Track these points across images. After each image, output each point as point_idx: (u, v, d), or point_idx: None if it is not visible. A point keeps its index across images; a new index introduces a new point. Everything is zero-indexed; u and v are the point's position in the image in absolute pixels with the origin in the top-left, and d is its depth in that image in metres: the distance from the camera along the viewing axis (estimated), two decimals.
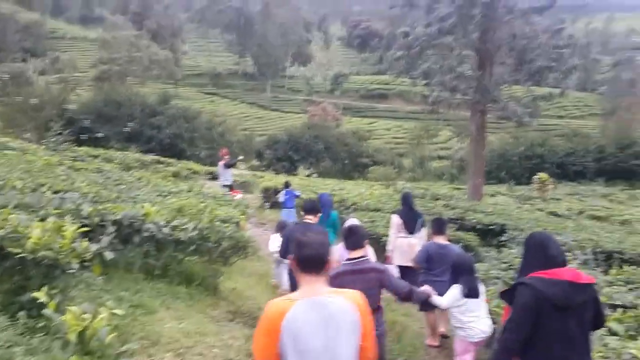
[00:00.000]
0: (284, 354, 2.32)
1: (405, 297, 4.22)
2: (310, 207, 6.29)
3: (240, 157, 23.14)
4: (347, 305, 2.40)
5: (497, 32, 20.06)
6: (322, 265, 2.46)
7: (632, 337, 4.50)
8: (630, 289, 6.11)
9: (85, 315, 3.45)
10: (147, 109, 39.22)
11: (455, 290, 4.95)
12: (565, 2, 20.36)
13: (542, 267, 3.05)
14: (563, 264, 3.09)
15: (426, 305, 5.65)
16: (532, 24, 20.35)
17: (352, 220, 6.34)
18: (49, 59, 69.14)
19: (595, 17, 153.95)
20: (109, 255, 4.31)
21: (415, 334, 6.64)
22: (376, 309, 4.02)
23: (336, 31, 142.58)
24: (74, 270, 3.77)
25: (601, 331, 4.40)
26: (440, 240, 6.24)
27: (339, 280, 3.73)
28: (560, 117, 75.39)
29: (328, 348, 2.32)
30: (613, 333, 4.64)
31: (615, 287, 6.19)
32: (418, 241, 7.38)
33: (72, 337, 3.36)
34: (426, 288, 4.82)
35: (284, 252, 6.34)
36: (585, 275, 3.11)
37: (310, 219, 6.20)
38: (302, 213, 6.42)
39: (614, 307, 5.34)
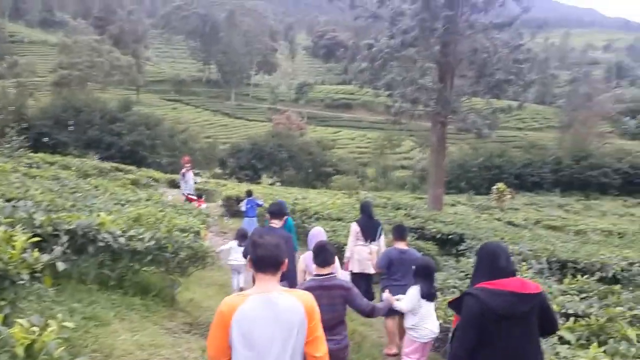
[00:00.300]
0: (234, 347, 2.44)
1: (368, 314, 4.29)
2: (277, 211, 6.28)
3: (198, 179, 22.26)
4: (296, 303, 2.53)
5: (459, 46, 20.43)
6: (276, 265, 2.59)
7: (583, 346, 4.62)
8: (583, 298, 6.27)
9: (34, 328, 3.35)
10: (108, 115, 38.57)
11: (414, 291, 5.07)
12: (524, 17, 20.82)
13: (490, 277, 3.12)
14: (512, 274, 3.16)
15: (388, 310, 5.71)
16: (492, 38, 20.78)
17: (317, 229, 6.33)
18: (7, 63, 67.34)
19: (554, 32, 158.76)
20: (61, 265, 4.22)
21: (374, 344, 6.67)
22: (340, 322, 4.10)
23: (302, 41, 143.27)
24: (24, 282, 3.68)
25: (553, 340, 4.51)
26: (401, 246, 6.38)
27: None
28: (519, 129, 77.35)
29: (275, 342, 2.45)
30: (565, 342, 4.75)
31: (568, 296, 6.34)
32: (376, 249, 7.50)
33: (20, 350, 3.25)
34: (387, 297, 4.89)
35: (245, 254, 6.40)
36: (533, 285, 3.18)
37: (275, 223, 6.18)
38: (267, 216, 6.42)
39: (566, 316, 5.46)
